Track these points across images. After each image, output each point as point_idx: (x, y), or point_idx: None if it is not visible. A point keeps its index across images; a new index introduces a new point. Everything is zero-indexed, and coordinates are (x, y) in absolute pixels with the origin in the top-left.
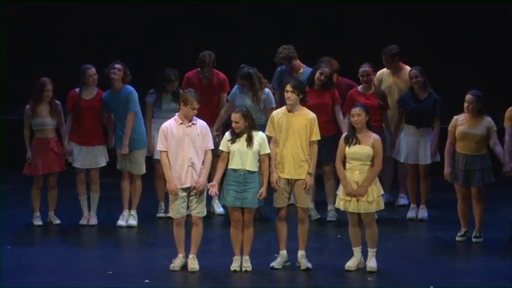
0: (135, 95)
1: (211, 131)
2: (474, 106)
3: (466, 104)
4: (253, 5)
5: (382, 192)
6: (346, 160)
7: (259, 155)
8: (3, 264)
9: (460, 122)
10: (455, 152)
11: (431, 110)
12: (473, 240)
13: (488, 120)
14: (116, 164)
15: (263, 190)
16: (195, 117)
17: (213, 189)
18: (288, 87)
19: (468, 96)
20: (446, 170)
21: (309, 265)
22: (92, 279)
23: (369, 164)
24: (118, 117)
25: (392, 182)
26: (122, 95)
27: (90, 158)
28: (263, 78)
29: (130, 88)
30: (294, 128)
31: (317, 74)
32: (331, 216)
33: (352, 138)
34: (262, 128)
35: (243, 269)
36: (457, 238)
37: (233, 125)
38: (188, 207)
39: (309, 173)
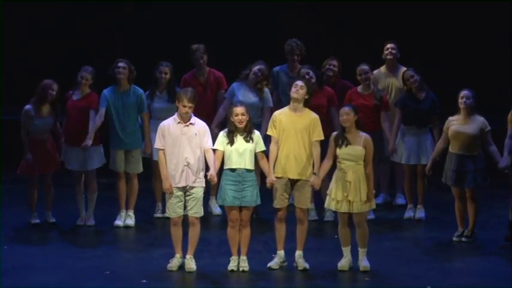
0: (145, 96)
1: (212, 129)
2: (471, 101)
3: (463, 100)
4: (252, 4)
5: (373, 191)
6: (338, 160)
7: (256, 153)
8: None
9: (453, 122)
10: (448, 153)
11: (430, 110)
12: (463, 239)
13: (481, 120)
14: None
15: (270, 179)
16: (193, 117)
17: (213, 177)
18: (300, 83)
19: (464, 92)
20: (429, 164)
21: (306, 265)
22: (89, 280)
23: (361, 164)
24: (119, 117)
25: (389, 182)
26: (131, 96)
27: (81, 159)
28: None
29: (139, 90)
30: (296, 128)
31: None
32: (328, 216)
33: (343, 140)
34: (257, 128)
35: (241, 269)
36: (454, 238)
37: (238, 118)
38: (185, 207)
39: (314, 173)
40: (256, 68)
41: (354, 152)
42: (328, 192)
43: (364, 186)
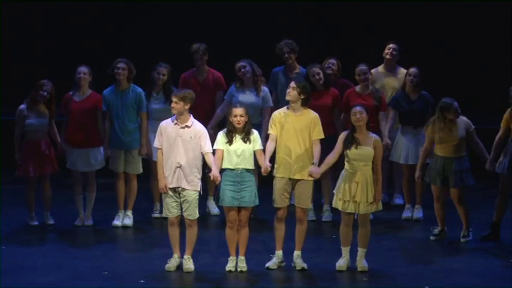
0: (143, 95)
1: (207, 130)
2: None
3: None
4: (251, 5)
5: (381, 193)
6: (347, 160)
7: (254, 151)
8: None
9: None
10: (433, 155)
11: (424, 110)
12: (462, 240)
13: (464, 121)
14: (108, 164)
15: (265, 165)
16: (191, 120)
17: (216, 177)
18: (292, 84)
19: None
20: (418, 172)
21: (305, 265)
22: (88, 280)
23: (369, 165)
24: (119, 116)
25: (387, 182)
26: (130, 95)
27: (83, 160)
28: (261, 76)
29: (138, 89)
30: (296, 128)
31: (312, 78)
32: (326, 216)
33: (352, 141)
34: (257, 128)
35: (239, 269)
36: (431, 237)
37: (236, 119)
38: (182, 208)
39: (313, 163)
40: (239, 70)
41: (365, 153)
42: (335, 191)
43: (371, 188)
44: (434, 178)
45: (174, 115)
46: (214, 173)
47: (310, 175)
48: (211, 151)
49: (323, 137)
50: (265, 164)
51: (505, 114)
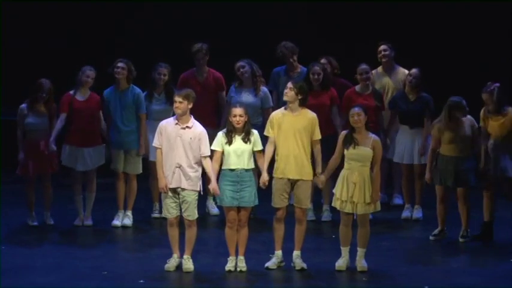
0: (143, 96)
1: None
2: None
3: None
4: (252, 5)
5: (379, 193)
6: (345, 160)
7: (254, 152)
8: None
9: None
10: (440, 155)
11: (421, 111)
12: (460, 240)
13: (469, 119)
14: (109, 164)
15: (263, 179)
16: (192, 121)
17: (216, 190)
18: (289, 84)
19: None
20: (428, 174)
21: (304, 265)
22: (87, 280)
23: (367, 165)
24: (117, 116)
25: (387, 182)
26: (129, 96)
27: (87, 159)
28: (260, 76)
29: (137, 89)
30: (295, 128)
31: (311, 76)
32: (325, 216)
33: (351, 141)
34: (258, 129)
35: (238, 269)
36: (430, 237)
37: (235, 118)
38: (181, 208)
39: (317, 174)
40: (238, 69)
41: (363, 153)
42: (334, 190)
43: (369, 188)
44: (442, 179)
45: (173, 116)
46: (214, 186)
47: (318, 186)
48: (209, 154)
49: (320, 137)
50: (263, 176)
51: (481, 115)
